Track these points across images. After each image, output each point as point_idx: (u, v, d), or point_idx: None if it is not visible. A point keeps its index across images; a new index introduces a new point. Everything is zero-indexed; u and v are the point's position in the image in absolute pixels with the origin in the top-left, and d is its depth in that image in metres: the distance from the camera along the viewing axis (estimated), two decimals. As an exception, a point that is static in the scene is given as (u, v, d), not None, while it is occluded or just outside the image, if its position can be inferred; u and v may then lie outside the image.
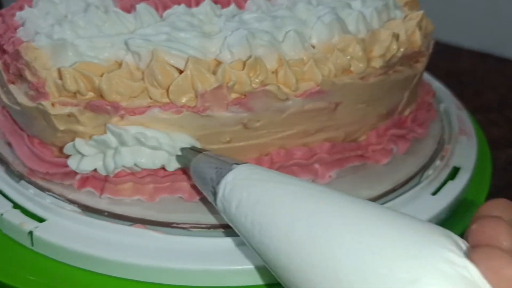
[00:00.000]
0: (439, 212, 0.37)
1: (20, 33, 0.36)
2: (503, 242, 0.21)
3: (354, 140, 0.40)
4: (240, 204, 0.27)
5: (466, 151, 0.44)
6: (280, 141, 0.36)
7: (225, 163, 0.30)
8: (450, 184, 0.40)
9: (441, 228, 0.23)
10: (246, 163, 0.30)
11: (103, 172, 0.34)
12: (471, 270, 0.20)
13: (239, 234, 0.29)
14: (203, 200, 0.36)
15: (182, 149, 0.33)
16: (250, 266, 0.32)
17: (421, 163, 0.41)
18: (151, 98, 0.33)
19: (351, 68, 0.36)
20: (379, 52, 0.37)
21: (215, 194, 0.29)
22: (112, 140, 0.33)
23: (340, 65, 0.35)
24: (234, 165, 0.29)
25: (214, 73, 0.33)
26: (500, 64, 0.70)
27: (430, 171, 0.41)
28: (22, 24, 0.37)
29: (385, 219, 0.23)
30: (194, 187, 0.35)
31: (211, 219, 0.34)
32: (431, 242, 0.22)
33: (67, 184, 0.36)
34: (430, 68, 0.48)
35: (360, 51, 0.36)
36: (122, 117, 0.33)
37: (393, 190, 0.38)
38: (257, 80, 0.33)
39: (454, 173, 0.41)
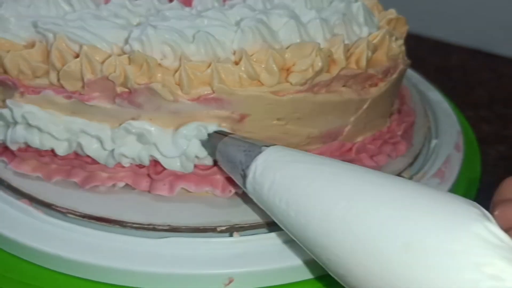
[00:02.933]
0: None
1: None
2: None
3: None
4: (273, 186, 0.28)
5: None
6: (181, 145, 0.35)
7: (254, 146, 0.30)
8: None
9: (467, 199, 0.24)
10: (275, 145, 0.30)
11: (7, 144, 0.36)
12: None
13: (271, 215, 0.29)
14: (94, 189, 0.36)
15: (208, 134, 0.33)
16: (115, 265, 0.31)
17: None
18: (49, 81, 0.34)
19: (261, 80, 0.33)
20: (300, 67, 0.33)
21: (244, 176, 0.30)
22: (8, 114, 0.34)
23: (247, 74, 0.33)
24: (263, 148, 0.30)
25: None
26: (489, 60, 0.69)
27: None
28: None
29: (421, 192, 0.24)
30: (90, 175, 0.36)
31: (89, 209, 0.34)
32: (468, 213, 0.22)
33: (-12, 151, 0.38)
34: (421, 64, 0.49)
35: (273, 63, 0.33)
36: (22, 94, 0.34)
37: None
38: (143, 76, 0.32)
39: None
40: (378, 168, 0.39)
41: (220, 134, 0.33)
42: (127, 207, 0.34)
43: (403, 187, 0.25)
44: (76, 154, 0.35)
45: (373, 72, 0.36)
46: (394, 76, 0.38)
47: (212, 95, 0.33)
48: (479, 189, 0.42)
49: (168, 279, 0.31)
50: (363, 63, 0.35)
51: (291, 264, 0.32)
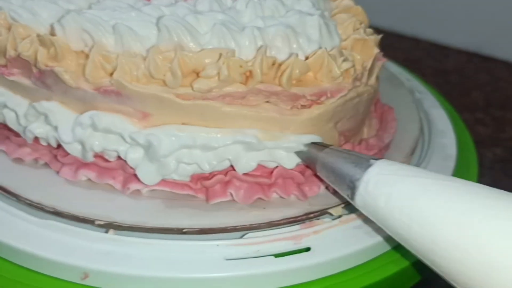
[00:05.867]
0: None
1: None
2: None
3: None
4: (391, 199, 0.29)
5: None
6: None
7: (362, 158, 0.31)
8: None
9: None
10: (383, 158, 0.31)
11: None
12: None
13: (384, 227, 0.30)
14: (19, 161, 0.37)
15: (306, 145, 0.34)
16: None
17: (244, 222, 0.33)
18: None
19: (166, 80, 0.32)
20: (207, 73, 0.32)
21: (353, 188, 0.31)
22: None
23: (150, 72, 0.32)
24: (372, 160, 0.31)
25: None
26: (486, 63, 0.70)
27: (252, 234, 0.33)
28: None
29: None
30: (15, 147, 0.37)
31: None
32: None
33: None
34: (417, 67, 0.55)
35: (178, 65, 0.31)
36: (-35, 63, 0.37)
37: (179, 230, 0.33)
38: (52, 59, 0.33)
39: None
40: (302, 198, 0.35)
41: (319, 145, 0.34)
42: (32, 184, 0.35)
43: None
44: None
45: (298, 92, 0.33)
46: (333, 100, 0.34)
47: (111, 88, 0.32)
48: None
49: (32, 260, 0.31)
50: (284, 80, 0.32)
51: (148, 275, 0.30)
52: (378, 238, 0.34)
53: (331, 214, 0.35)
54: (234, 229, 0.33)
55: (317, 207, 0.35)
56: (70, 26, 0.33)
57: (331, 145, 0.34)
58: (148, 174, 0.33)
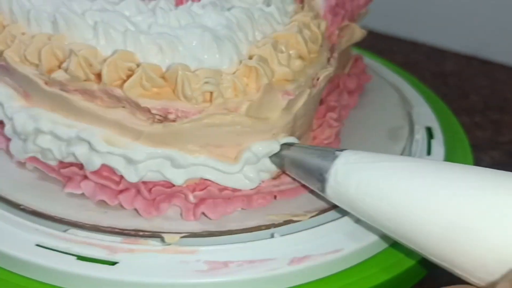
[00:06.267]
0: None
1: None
2: None
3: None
4: (361, 185, 0.30)
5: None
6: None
7: (327, 151, 0.34)
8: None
9: None
10: (347, 149, 0.34)
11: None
12: None
13: (357, 213, 0.32)
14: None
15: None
16: None
17: (75, 217, 0.33)
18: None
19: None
20: (63, 65, 0.33)
21: (323, 181, 0.32)
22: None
23: (24, 54, 0.34)
24: (337, 152, 0.32)
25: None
26: (485, 67, 0.71)
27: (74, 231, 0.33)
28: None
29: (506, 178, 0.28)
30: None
31: None
32: None
33: None
34: (416, 70, 0.55)
35: (46, 52, 0.33)
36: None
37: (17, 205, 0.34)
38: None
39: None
40: (143, 214, 0.34)
41: (286, 144, 0.34)
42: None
43: (486, 174, 0.28)
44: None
45: (141, 103, 0.31)
46: (184, 121, 0.31)
47: (2, 62, 0.35)
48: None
49: None
50: (125, 86, 0.31)
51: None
52: (191, 281, 0.31)
53: (162, 239, 0.33)
54: (60, 221, 0.34)
55: (153, 228, 0.33)
56: (5, 5, 0.37)
57: (296, 143, 0.34)
58: (16, 148, 0.36)
